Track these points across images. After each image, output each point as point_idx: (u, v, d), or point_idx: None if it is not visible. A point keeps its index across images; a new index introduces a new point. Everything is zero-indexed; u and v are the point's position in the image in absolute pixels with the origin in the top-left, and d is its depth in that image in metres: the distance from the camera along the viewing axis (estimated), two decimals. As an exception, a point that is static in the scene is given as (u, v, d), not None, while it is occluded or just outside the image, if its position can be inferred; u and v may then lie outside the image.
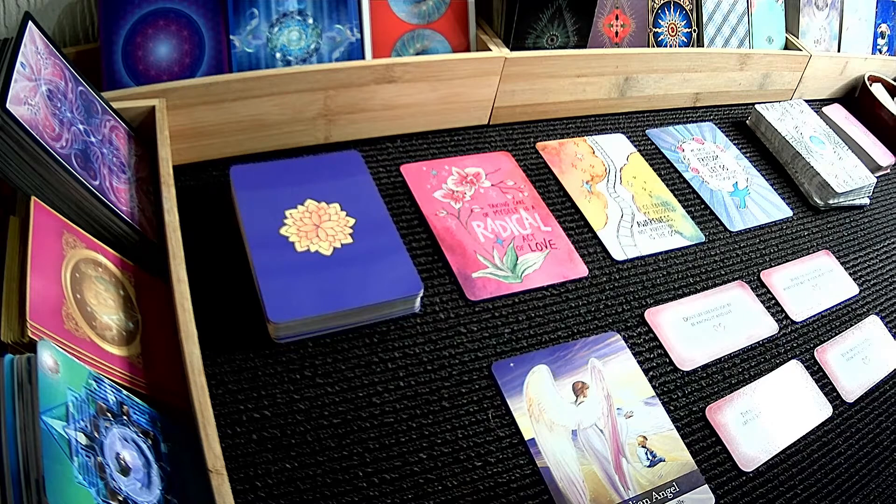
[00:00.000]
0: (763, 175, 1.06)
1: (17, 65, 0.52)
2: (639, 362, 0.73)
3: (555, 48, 0.94)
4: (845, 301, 0.92)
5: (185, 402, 0.52)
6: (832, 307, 0.90)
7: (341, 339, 0.66)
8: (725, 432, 0.70)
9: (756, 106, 1.13)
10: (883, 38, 1.41)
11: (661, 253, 0.86)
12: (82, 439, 0.41)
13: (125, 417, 0.47)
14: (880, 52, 1.40)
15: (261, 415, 0.59)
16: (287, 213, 0.70)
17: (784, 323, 0.84)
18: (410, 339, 0.68)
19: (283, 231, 0.68)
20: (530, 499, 0.60)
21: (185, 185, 0.74)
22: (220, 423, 0.56)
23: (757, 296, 0.86)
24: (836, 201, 1.05)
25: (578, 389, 0.68)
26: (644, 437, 0.67)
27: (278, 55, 0.78)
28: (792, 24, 1.24)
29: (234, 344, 0.63)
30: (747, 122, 1.15)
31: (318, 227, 0.70)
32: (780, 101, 1.18)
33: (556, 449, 0.63)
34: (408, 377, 0.65)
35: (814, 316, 0.87)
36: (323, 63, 0.80)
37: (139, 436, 0.47)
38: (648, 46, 1.05)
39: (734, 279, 0.87)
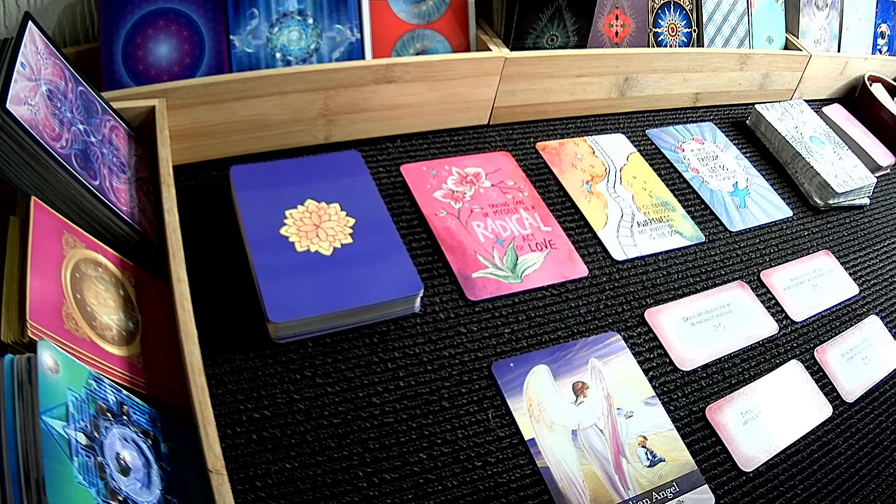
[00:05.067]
0: (763, 175, 1.06)
1: (17, 65, 0.52)
2: (639, 362, 0.73)
3: (555, 48, 0.94)
4: (845, 301, 0.92)
5: (185, 402, 0.52)
6: (832, 307, 0.90)
7: (341, 339, 0.66)
8: (725, 432, 0.70)
9: (756, 106, 1.13)
10: (883, 38, 1.41)
11: (661, 253, 0.86)
12: (82, 439, 0.41)
13: (125, 417, 0.47)
14: (880, 52, 1.40)
15: (261, 415, 0.59)
16: (287, 213, 0.70)
17: (784, 323, 0.84)
18: (410, 339, 0.68)
19: (283, 231, 0.68)
20: (530, 499, 0.60)
21: (185, 185, 0.74)
22: (220, 423, 0.56)
23: (757, 296, 0.86)
24: (836, 201, 1.05)
25: (578, 389, 0.68)
26: (644, 437, 0.67)
27: (278, 55, 0.78)
28: (792, 24, 1.24)
29: (234, 344, 0.63)
30: (747, 122, 1.15)
31: (318, 227, 0.70)
32: (780, 101, 1.18)
33: (556, 449, 0.63)
34: (408, 377, 0.65)
35: (814, 316, 0.87)
36: (323, 63, 0.80)
37: (139, 436, 0.47)
38: (648, 46, 1.05)
39: (734, 279, 0.87)
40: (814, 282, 0.92)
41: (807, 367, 0.81)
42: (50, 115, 0.54)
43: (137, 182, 0.66)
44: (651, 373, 0.73)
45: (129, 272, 0.59)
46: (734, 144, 1.09)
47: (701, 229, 0.92)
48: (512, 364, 0.69)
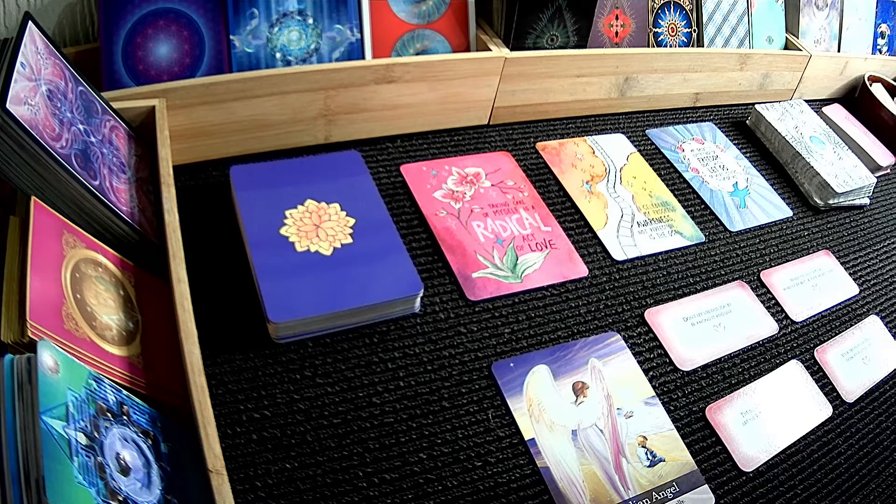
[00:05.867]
0: (763, 175, 1.06)
1: (17, 65, 0.52)
2: (639, 362, 0.73)
3: (555, 48, 0.94)
4: (845, 301, 0.92)
5: (185, 402, 0.52)
6: (832, 307, 0.90)
7: (341, 339, 0.66)
8: (725, 432, 0.70)
9: (756, 106, 1.13)
10: (883, 38, 1.41)
11: (661, 253, 0.86)
12: (82, 439, 0.41)
13: (125, 417, 0.47)
14: (880, 52, 1.40)
15: (261, 415, 0.59)
16: (287, 213, 0.70)
17: (784, 323, 0.84)
18: (410, 339, 0.68)
19: (283, 231, 0.68)
20: (530, 499, 0.60)
21: (185, 185, 0.74)
22: (220, 423, 0.56)
23: (757, 296, 0.86)
24: (836, 201, 1.05)
25: (578, 389, 0.68)
26: (644, 437, 0.67)
27: (278, 55, 0.78)
28: (792, 24, 1.24)
29: (234, 344, 0.63)
30: (747, 122, 1.15)
31: (318, 227, 0.70)
32: (780, 101, 1.18)
33: (556, 449, 0.63)
34: (408, 377, 0.65)
35: (814, 316, 0.87)
36: (323, 63, 0.80)
37: (139, 436, 0.47)
38: (648, 46, 1.05)
39: (734, 279, 0.87)
40: (814, 282, 0.92)
41: (807, 367, 0.81)
42: (50, 115, 0.54)
43: (137, 182, 0.66)
44: (651, 373, 0.73)
45: (129, 272, 0.59)
46: (734, 144, 1.09)
47: (701, 229, 0.92)
48: (512, 364, 0.69)
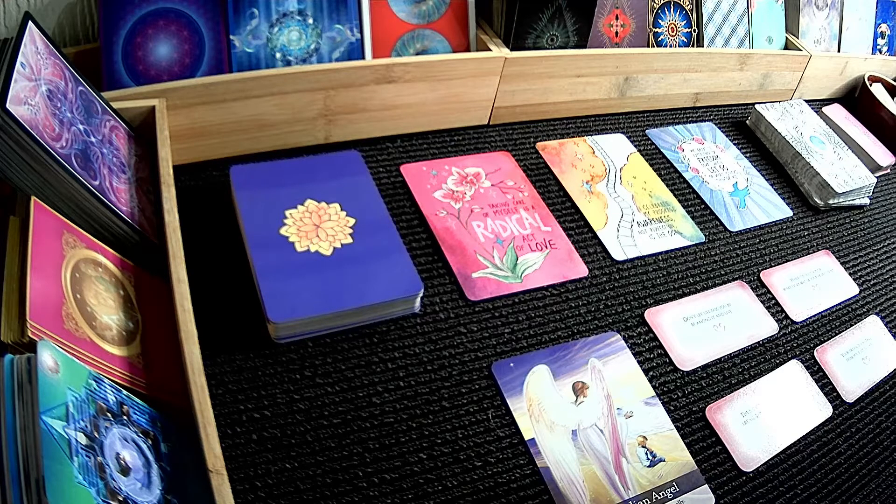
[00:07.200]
0: (763, 175, 1.06)
1: (17, 65, 0.52)
2: (639, 362, 0.73)
3: (555, 48, 0.95)
4: (845, 301, 0.92)
5: (185, 402, 0.52)
6: (832, 307, 0.90)
7: (341, 339, 0.66)
8: (725, 432, 0.70)
9: (756, 106, 1.13)
10: (883, 38, 1.41)
11: (661, 253, 0.86)
12: (82, 439, 0.41)
13: (125, 417, 0.47)
14: (880, 52, 1.40)
15: (261, 415, 0.59)
16: (287, 213, 0.70)
17: (784, 323, 0.84)
18: (410, 339, 0.68)
19: (283, 231, 0.68)
20: (530, 499, 0.60)
21: (185, 185, 0.74)
22: (220, 423, 0.56)
23: (757, 296, 0.86)
24: (836, 201, 1.05)
25: (578, 389, 0.68)
26: (644, 437, 0.67)
27: (278, 55, 0.78)
28: (792, 24, 1.24)
29: (234, 344, 0.63)
30: (747, 122, 1.15)
31: (318, 227, 0.70)
32: (780, 101, 1.18)
33: (556, 449, 0.63)
34: (408, 377, 0.65)
35: (814, 316, 0.87)
36: (323, 63, 0.80)
37: (139, 436, 0.47)
38: (648, 46, 1.05)
39: (734, 279, 0.87)
40: (814, 282, 0.92)
41: (807, 367, 0.81)
42: (50, 115, 0.54)
43: (137, 182, 0.66)
44: (651, 373, 0.73)
45: (129, 272, 0.59)
46: (734, 144, 1.09)
47: (701, 229, 0.92)
48: (512, 364, 0.69)
